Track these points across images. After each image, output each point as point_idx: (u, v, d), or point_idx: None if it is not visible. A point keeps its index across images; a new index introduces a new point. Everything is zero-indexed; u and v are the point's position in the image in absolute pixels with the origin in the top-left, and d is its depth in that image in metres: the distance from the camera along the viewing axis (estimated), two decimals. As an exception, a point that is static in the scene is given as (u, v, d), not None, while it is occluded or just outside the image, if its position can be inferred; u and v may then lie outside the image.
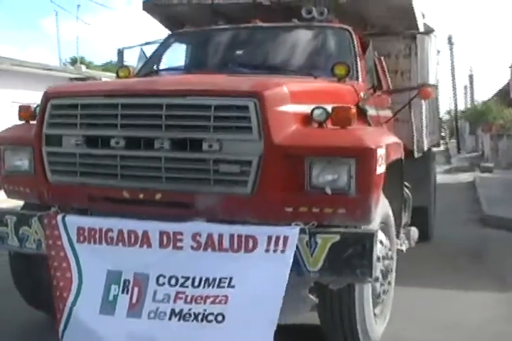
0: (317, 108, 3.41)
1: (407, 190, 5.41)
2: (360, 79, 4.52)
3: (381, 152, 3.33)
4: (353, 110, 3.40)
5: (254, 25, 5.01)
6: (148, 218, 3.47)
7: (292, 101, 3.41)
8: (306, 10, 4.92)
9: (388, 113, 4.97)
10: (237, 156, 3.32)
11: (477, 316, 4.64)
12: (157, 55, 5.25)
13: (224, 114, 3.33)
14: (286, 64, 4.62)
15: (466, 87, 45.20)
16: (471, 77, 43.05)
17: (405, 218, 5.14)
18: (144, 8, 5.79)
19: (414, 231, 5.14)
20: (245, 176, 3.29)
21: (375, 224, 3.48)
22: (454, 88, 32.47)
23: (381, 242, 3.78)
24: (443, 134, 46.86)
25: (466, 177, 16.70)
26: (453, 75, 32.06)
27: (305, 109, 3.44)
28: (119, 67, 5.39)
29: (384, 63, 5.47)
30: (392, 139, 3.89)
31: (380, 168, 3.33)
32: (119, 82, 4.23)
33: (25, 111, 4.02)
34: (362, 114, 4.08)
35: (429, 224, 7.21)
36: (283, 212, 3.28)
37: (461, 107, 37.52)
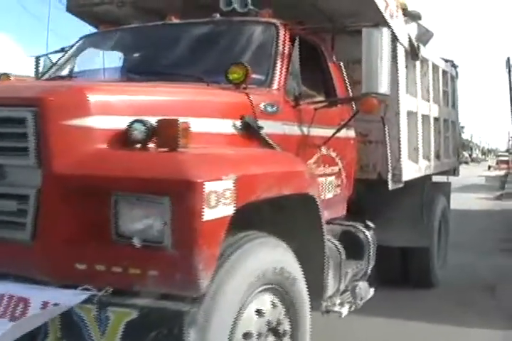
0: (136, 122, 2.38)
1: (366, 232, 4.21)
2: (275, 86, 3.42)
3: (217, 187, 2.23)
4: (185, 125, 2.32)
5: (161, 23, 4.04)
6: None
7: (99, 112, 2.40)
8: (224, 1, 3.89)
9: (331, 131, 3.81)
10: (13, 189, 2.36)
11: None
12: (63, 61, 4.38)
13: (1, 130, 2.37)
14: (181, 68, 3.59)
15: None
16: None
17: (355, 269, 3.93)
18: (68, 9, 4.99)
19: (362, 288, 3.91)
20: (23, 217, 2.32)
21: (220, 293, 2.35)
22: (512, 109, 29.85)
23: (259, 312, 2.64)
24: (506, 158, 43.79)
25: (516, 204, 15.30)
26: (511, 97, 29.59)
27: (121, 123, 2.41)
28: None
29: (343, 70, 4.32)
30: (276, 168, 2.75)
31: (216, 211, 2.22)
32: None
33: None
34: (253, 131, 2.99)
35: (432, 268, 5.88)
36: (73, 269, 2.28)
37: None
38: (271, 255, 2.72)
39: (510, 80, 32.89)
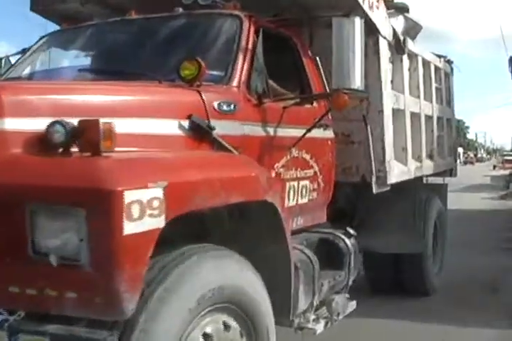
0: (56, 123, 2.10)
1: (346, 240, 3.89)
2: (234, 83, 3.13)
3: (142, 196, 1.94)
4: (108, 126, 2.03)
5: (120, 19, 3.77)
6: None
7: (14, 113, 2.13)
8: (185, -7, 3.62)
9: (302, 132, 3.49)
10: None
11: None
12: (21, 61, 4.11)
13: None
14: (137, 66, 3.33)
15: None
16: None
17: (332, 281, 3.62)
18: (33, 9, 4.72)
19: (340, 302, 3.59)
20: None
21: (154, 319, 2.05)
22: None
23: (207, 337, 2.34)
24: (511, 158, 43.56)
25: (521, 203, 15.08)
26: None
27: (41, 125, 2.13)
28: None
29: (320, 65, 4.01)
30: (222, 173, 2.44)
31: (141, 224, 1.93)
32: None
33: None
34: (202, 132, 2.70)
35: (426, 275, 5.53)
36: None
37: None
38: (222, 270, 2.41)
39: (512, 78, 32.47)
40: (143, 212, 1.94)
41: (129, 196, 1.89)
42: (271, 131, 3.25)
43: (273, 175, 3.24)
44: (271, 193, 2.67)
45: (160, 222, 2.01)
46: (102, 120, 2.03)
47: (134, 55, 3.44)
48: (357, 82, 3.17)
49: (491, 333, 4.51)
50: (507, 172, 27.98)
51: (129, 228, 1.89)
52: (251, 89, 3.19)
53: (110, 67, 3.39)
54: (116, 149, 2.13)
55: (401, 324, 4.69)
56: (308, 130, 3.42)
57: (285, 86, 3.69)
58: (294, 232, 3.66)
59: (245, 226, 2.76)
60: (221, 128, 2.80)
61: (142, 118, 2.44)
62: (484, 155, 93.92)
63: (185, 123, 2.64)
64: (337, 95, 3.19)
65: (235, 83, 3.11)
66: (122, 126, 2.31)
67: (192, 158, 2.48)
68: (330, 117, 4.03)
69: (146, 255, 1.97)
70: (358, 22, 3.20)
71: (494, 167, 48.07)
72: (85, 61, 3.73)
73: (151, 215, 1.97)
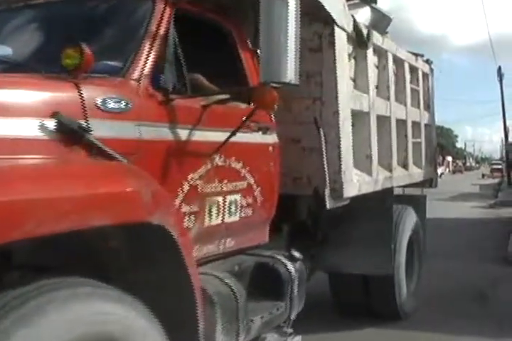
0: None
1: (289, 265, 3.29)
2: (134, 76, 2.53)
3: None
4: None
5: (22, 5, 3.18)
6: None
7: None
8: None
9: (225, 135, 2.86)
10: None
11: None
12: None
13: None
14: (27, 56, 2.79)
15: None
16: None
17: (267, 316, 3.00)
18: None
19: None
20: None
21: None
22: (504, 118, 29.53)
23: None
24: (500, 166, 43.16)
25: (511, 211, 14.53)
26: (503, 106, 29.10)
27: None
28: None
29: (262, 59, 3.41)
30: (79, 188, 1.84)
31: None
32: None
33: None
34: (74, 134, 2.10)
35: (397, 299, 4.90)
36: None
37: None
38: (86, 314, 1.81)
39: (501, 89, 32.36)
40: None
41: None
42: (183, 134, 2.65)
43: (186, 188, 2.65)
44: (159, 213, 2.07)
45: None
46: None
47: (29, 43, 2.89)
48: (289, 74, 2.56)
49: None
50: (496, 181, 27.70)
51: None
52: (159, 83, 2.60)
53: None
54: None
55: (392, 333, 4.65)
56: (233, 133, 2.80)
57: (218, 82, 3.11)
58: (223, 256, 3.09)
59: (132, 254, 2.17)
60: (105, 129, 2.22)
61: None
62: (473, 164, 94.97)
63: (50, 124, 2.04)
64: (262, 90, 2.60)
65: (134, 76, 2.52)
66: None
67: (35, 169, 1.86)
68: (272, 119, 3.45)
69: None
70: (292, 2, 2.61)
71: (483, 176, 48.37)
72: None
73: None
